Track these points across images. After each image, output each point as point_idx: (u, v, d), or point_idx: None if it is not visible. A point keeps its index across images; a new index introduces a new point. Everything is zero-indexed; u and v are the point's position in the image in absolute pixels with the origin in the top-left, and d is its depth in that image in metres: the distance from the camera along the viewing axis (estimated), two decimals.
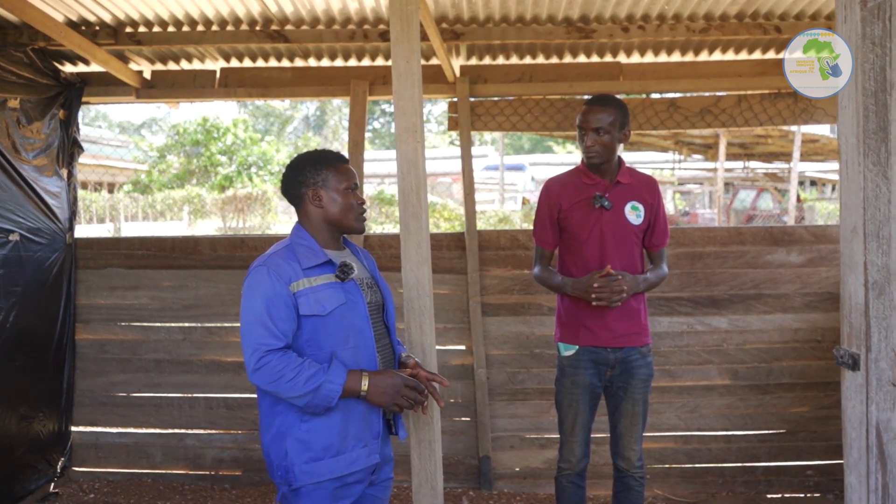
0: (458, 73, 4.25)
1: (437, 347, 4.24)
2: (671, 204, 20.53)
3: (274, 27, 3.81)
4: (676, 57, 4.23)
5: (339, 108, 34.97)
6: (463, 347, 4.29)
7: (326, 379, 2.05)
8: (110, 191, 19.07)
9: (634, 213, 2.88)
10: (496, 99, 4.33)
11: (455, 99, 4.28)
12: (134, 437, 4.42)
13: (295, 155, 2.36)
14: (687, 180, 23.18)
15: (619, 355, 2.87)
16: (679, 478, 4.21)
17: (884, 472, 1.36)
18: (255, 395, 2.29)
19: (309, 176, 2.22)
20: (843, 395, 1.51)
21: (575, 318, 2.90)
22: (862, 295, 1.42)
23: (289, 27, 3.82)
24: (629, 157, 22.80)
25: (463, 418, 4.29)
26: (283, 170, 2.30)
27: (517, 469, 4.26)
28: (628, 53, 4.21)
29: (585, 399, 2.91)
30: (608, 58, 4.24)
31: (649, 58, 4.24)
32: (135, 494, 4.16)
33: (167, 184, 18.24)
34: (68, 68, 4.25)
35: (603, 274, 2.76)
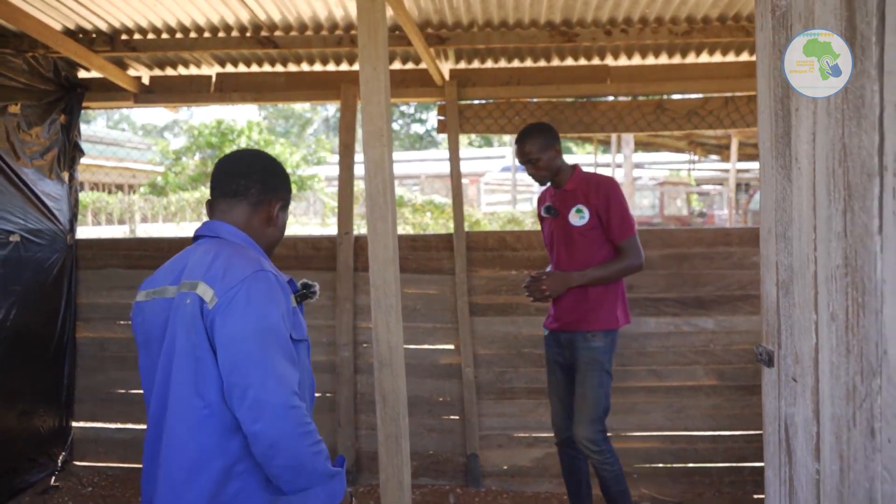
0: (447, 76, 4.31)
1: (426, 347, 4.37)
2: (684, 205, 20.40)
3: (264, 33, 3.90)
4: (663, 59, 4.26)
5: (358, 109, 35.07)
6: (451, 347, 4.35)
7: (340, 471, 1.63)
8: (128, 193, 19.38)
9: (578, 216, 3.15)
10: (485, 102, 4.39)
11: (444, 102, 4.35)
12: (132, 433, 4.53)
13: (270, 154, 1.98)
14: (706, 181, 23.03)
15: (566, 338, 3.22)
16: (666, 477, 4.23)
17: (790, 465, 1.40)
18: None
19: (284, 186, 1.88)
20: (763, 392, 1.55)
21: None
22: (774, 294, 1.47)
23: (278, 33, 3.91)
24: (645, 158, 22.71)
25: (451, 416, 4.35)
26: (249, 160, 1.88)
27: (505, 467, 4.31)
28: (615, 56, 4.25)
29: (556, 373, 3.32)
30: (595, 61, 4.28)
31: (636, 60, 4.28)
32: (132, 488, 4.27)
33: (182, 186, 18.49)
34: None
35: (531, 275, 3.21)
